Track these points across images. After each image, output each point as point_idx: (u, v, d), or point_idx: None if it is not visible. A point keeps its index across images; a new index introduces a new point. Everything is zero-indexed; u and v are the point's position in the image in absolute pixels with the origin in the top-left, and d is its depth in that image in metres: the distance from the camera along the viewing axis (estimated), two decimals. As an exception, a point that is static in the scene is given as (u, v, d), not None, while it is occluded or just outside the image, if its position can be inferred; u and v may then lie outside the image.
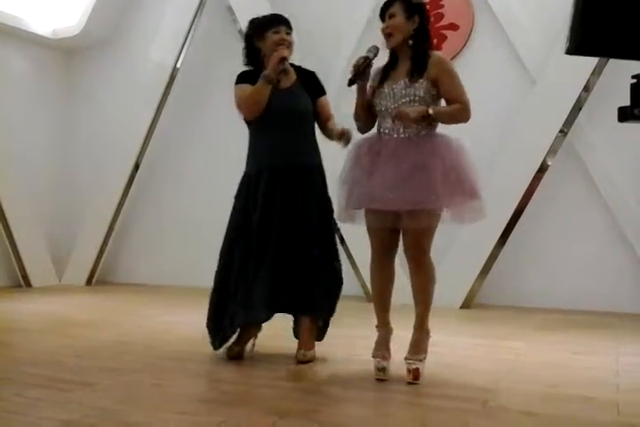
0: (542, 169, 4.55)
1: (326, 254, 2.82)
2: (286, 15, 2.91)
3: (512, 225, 4.60)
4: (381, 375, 2.47)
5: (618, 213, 4.46)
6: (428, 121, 2.49)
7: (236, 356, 2.83)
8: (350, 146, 2.65)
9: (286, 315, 2.88)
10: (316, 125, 2.94)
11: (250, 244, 2.76)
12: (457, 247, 4.61)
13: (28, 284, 5.96)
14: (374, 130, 2.67)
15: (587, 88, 4.42)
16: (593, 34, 1.37)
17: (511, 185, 4.54)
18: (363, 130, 2.70)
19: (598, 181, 4.53)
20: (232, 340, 2.86)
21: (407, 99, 2.51)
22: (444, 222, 2.52)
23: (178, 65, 5.95)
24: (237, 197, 2.87)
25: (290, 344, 2.89)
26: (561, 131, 4.49)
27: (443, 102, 2.59)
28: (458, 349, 3.11)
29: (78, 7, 6.38)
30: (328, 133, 2.87)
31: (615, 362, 2.83)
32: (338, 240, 2.98)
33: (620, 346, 3.19)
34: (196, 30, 5.92)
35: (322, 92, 2.94)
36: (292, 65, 2.83)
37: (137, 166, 6.10)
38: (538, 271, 4.72)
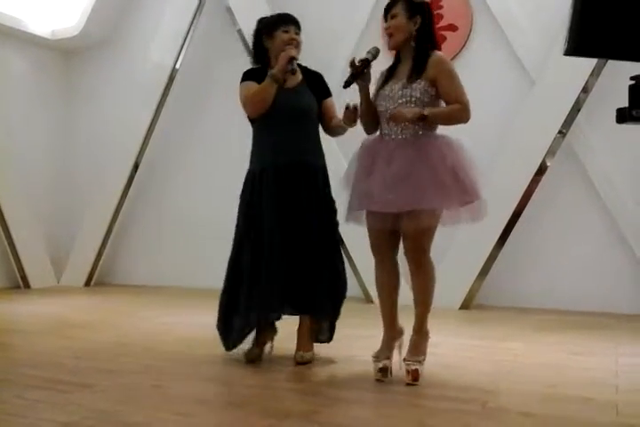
0: (541, 170, 4.55)
1: (329, 256, 2.81)
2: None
3: (511, 226, 4.60)
4: (380, 376, 2.47)
5: (616, 214, 4.46)
6: (426, 122, 2.49)
7: (254, 359, 2.81)
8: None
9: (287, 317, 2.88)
10: (321, 128, 2.94)
11: (257, 243, 2.75)
12: (456, 248, 4.61)
13: (27, 285, 5.96)
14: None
15: (585, 89, 4.43)
16: (591, 35, 1.37)
17: (510, 186, 4.54)
18: (368, 131, 2.70)
19: (597, 182, 4.53)
20: (246, 342, 2.84)
21: (404, 100, 2.50)
22: (444, 224, 2.52)
23: (177, 65, 5.95)
24: (242, 195, 2.87)
25: (289, 346, 2.89)
26: (560, 132, 4.50)
27: (443, 103, 2.58)
28: (457, 350, 3.11)
29: (77, 8, 6.38)
30: (333, 130, 2.88)
31: (614, 363, 2.83)
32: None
33: (618, 347, 3.19)
34: (195, 31, 5.92)
35: (327, 93, 2.94)
36: (298, 65, 2.82)
37: (136, 167, 6.10)
38: (537, 272, 4.72)
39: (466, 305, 4.64)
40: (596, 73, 4.38)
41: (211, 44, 5.96)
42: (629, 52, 1.39)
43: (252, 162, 2.89)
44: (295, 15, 2.89)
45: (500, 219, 4.56)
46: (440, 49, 2.60)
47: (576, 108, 4.46)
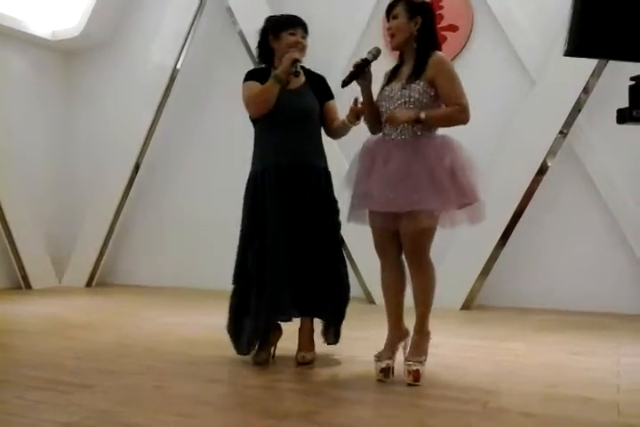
0: (542, 170, 4.55)
1: (332, 258, 2.81)
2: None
3: (512, 226, 4.60)
4: (382, 377, 2.47)
5: (617, 214, 4.46)
6: (422, 125, 2.48)
7: (262, 362, 2.79)
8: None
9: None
10: (323, 131, 2.94)
11: (262, 244, 2.75)
12: (457, 248, 4.61)
13: (28, 285, 5.96)
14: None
15: (586, 89, 4.43)
16: (591, 35, 1.37)
17: (511, 186, 4.54)
18: (373, 131, 2.70)
19: (598, 182, 4.53)
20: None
21: (403, 100, 2.51)
22: (443, 226, 2.51)
23: (178, 66, 5.95)
24: (245, 196, 2.87)
25: (290, 346, 2.89)
26: (560, 132, 4.50)
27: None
28: (458, 350, 3.11)
29: (78, 9, 6.38)
30: (336, 132, 2.89)
31: (615, 363, 2.83)
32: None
33: (619, 347, 3.19)
34: (195, 31, 5.92)
35: (330, 95, 2.94)
36: (302, 67, 2.82)
37: (137, 167, 6.10)
38: (538, 272, 4.72)
39: (467, 305, 4.64)
40: (596, 73, 4.38)
41: (211, 45, 5.96)
42: (629, 53, 1.39)
43: (253, 163, 2.89)
44: (284, 14, 2.89)
45: (501, 219, 4.55)
46: (441, 49, 2.60)
47: (577, 109, 4.46)
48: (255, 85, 2.78)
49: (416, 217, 2.42)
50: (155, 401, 2.25)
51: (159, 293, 5.68)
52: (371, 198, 2.51)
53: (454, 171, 2.44)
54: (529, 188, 4.55)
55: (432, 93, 2.50)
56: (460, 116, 2.49)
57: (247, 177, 2.88)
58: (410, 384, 2.40)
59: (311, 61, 2.88)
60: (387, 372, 2.48)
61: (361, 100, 2.63)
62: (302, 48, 2.79)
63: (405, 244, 2.52)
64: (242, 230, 2.86)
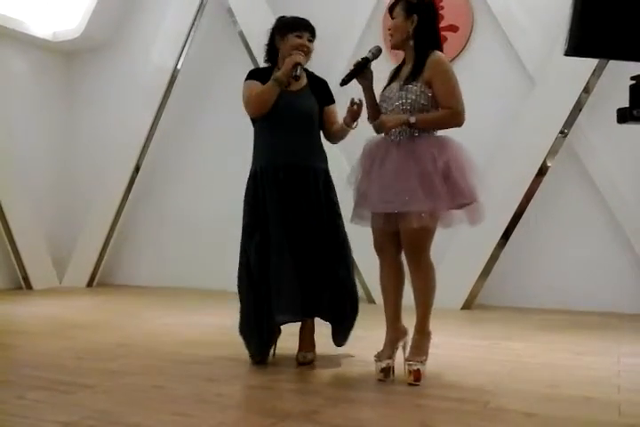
0: (542, 170, 4.55)
1: (329, 259, 2.80)
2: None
3: (513, 226, 4.60)
4: (382, 377, 2.47)
5: (618, 214, 4.46)
6: (414, 128, 2.47)
7: (261, 361, 2.80)
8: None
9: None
10: (322, 135, 2.94)
11: (264, 239, 2.74)
12: (458, 248, 4.60)
13: (29, 286, 5.96)
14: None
15: (587, 89, 4.43)
16: (591, 35, 1.37)
17: (511, 186, 4.54)
18: (378, 131, 2.70)
19: (598, 182, 4.53)
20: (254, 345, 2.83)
21: (400, 102, 2.50)
22: (442, 226, 2.51)
23: (178, 67, 5.96)
24: (246, 195, 2.87)
25: (291, 345, 2.89)
26: (561, 132, 4.50)
27: None
28: (459, 350, 3.11)
29: (78, 10, 6.39)
30: (335, 136, 2.89)
31: (616, 362, 2.83)
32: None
33: (620, 346, 3.19)
34: (196, 33, 5.93)
35: (331, 100, 2.93)
36: (305, 70, 2.82)
37: (138, 168, 6.11)
38: (539, 272, 4.71)
39: (467, 305, 4.64)
40: (597, 73, 4.38)
41: (212, 46, 5.97)
42: (630, 52, 1.39)
43: (253, 162, 2.89)
44: (294, 15, 2.89)
45: (502, 219, 4.55)
46: (442, 49, 2.58)
47: (577, 109, 4.46)
48: (256, 85, 2.78)
49: (405, 218, 2.43)
50: (155, 401, 2.25)
51: (159, 293, 5.68)
52: (368, 199, 2.53)
53: (449, 171, 2.43)
54: (530, 188, 4.56)
55: (430, 94, 2.49)
56: (452, 119, 2.48)
57: (247, 176, 2.88)
58: (410, 384, 2.40)
59: (311, 62, 2.88)
60: (387, 371, 2.48)
61: (357, 100, 2.63)
62: (307, 51, 2.78)
63: (404, 243, 2.53)
64: (243, 228, 2.85)
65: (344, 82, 2.52)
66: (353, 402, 2.25)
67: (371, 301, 4.76)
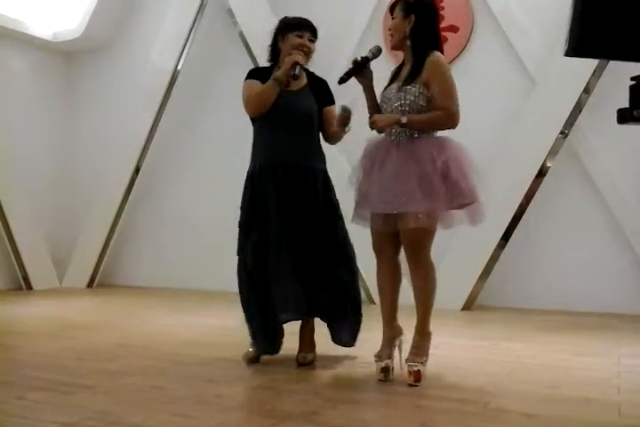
0: (543, 171, 4.55)
1: (328, 259, 2.80)
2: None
3: (513, 227, 4.60)
4: (383, 377, 2.47)
5: (619, 214, 4.46)
6: (407, 128, 2.47)
7: (253, 360, 2.81)
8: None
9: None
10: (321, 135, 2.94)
11: (262, 238, 2.74)
12: (458, 249, 4.60)
13: (29, 286, 5.96)
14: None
15: (587, 90, 4.43)
16: (592, 36, 1.37)
17: (512, 187, 4.54)
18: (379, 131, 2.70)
19: (599, 182, 4.53)
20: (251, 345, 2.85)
21: (399, 103, 2.50)
22: (444, 226, 2.51)
23: (178, 68, 5.96)
24: (244, 194, 2.86)
25: (291, 346, 2.89)
26: (561, 132, 4.50)
27: None
28: (459, 351, 3.11)
29: (79, 10, 6.39)
30: (333, 136, 2.88)
31: (616, 363, 2.83)
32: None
33: (620, 347, 3.19)
34: (196, 33, 5.93)
35: (330, 101, 2.92)
36: (305, 70, 2.82)
37: (138, 169, 6.11)
38: (539, 273, 4.71)
39: (468, 306, 4.64)
40: (597, 74, 4.38)
41: (212, 47, 5.96)
42: (630, 53, 1.39)
43: (251, 160, 2.89)
44: (296, 16, 2.89)
45: (502, 220, 4.55)
46: (441, 49, 2.57)
47: (578, 109, 4.46)
48: (255, 84, 2.79)
49: (403, 219, 2.43)
50: (155, 402, 2.25)
51: (160, 294, 5.68)
52: (367, 199, 2.53)
53: (449, 171, 2.42)
54: (530, 188, 4.56)
55: (428, 95, 2.49)
56: (445, 121, 2.48)
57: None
58: (411, 385, 2.40)
59: (312, 62, 2.89)
60: (387, 371, 2.48)
61: (350, 105, 2.63)
62: (307, 51, 2.79)
63: (404, 243, 2.54)
64: (240, 226, 2.84)
65: (342, 80, 2.53)
66: (353, 403, 2.25)
67: (371, 301, 4.76)
